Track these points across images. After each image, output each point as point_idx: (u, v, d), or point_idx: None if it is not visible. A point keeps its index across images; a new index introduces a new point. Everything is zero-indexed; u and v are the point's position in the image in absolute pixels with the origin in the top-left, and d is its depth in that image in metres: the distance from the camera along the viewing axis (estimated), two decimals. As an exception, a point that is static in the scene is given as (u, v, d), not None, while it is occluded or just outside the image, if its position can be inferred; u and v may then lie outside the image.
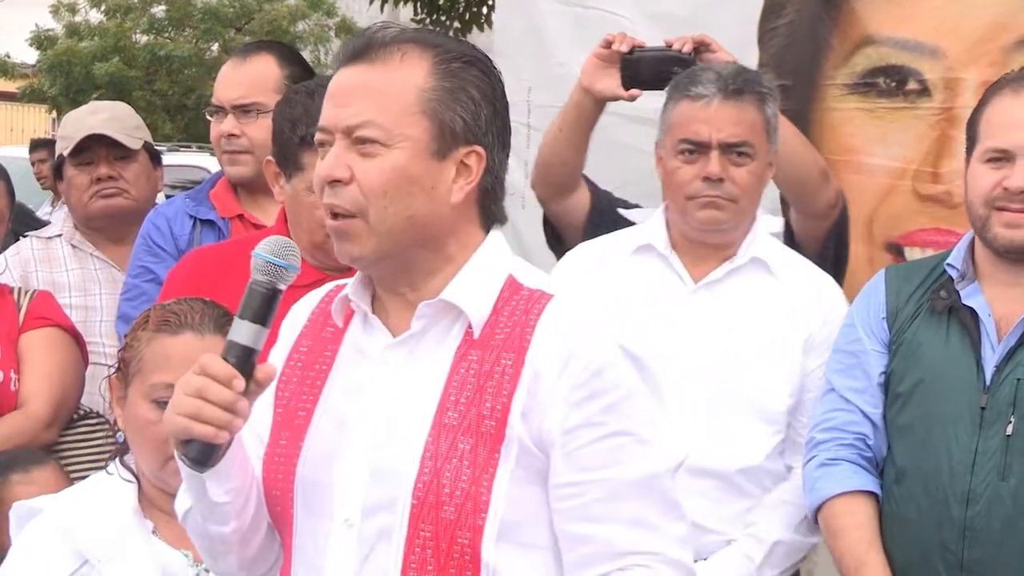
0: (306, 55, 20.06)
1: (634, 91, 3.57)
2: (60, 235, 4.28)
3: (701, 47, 3.54)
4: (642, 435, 2.09)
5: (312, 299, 2.30)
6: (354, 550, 2.10)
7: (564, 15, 4.65)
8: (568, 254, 3.52)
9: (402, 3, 10.36)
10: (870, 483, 3.09)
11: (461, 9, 10.42)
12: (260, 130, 3.69)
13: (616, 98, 3.62)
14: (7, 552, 3.00)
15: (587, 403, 2.06)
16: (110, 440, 3.69)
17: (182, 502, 2.22)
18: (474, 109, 2.12)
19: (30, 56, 20.42)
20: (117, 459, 2.69)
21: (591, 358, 2.07)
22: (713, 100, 3.23)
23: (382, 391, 2.14)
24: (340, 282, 2.28)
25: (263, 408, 2.21)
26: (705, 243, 3.30)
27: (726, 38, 4.16)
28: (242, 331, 2.07)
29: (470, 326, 2.12)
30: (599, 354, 2.07)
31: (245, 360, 2.06)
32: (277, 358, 2.25)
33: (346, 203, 2.10)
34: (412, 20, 10.91)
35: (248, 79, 3.77)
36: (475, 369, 2.09)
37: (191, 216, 3.75)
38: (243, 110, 3.74)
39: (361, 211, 2.10)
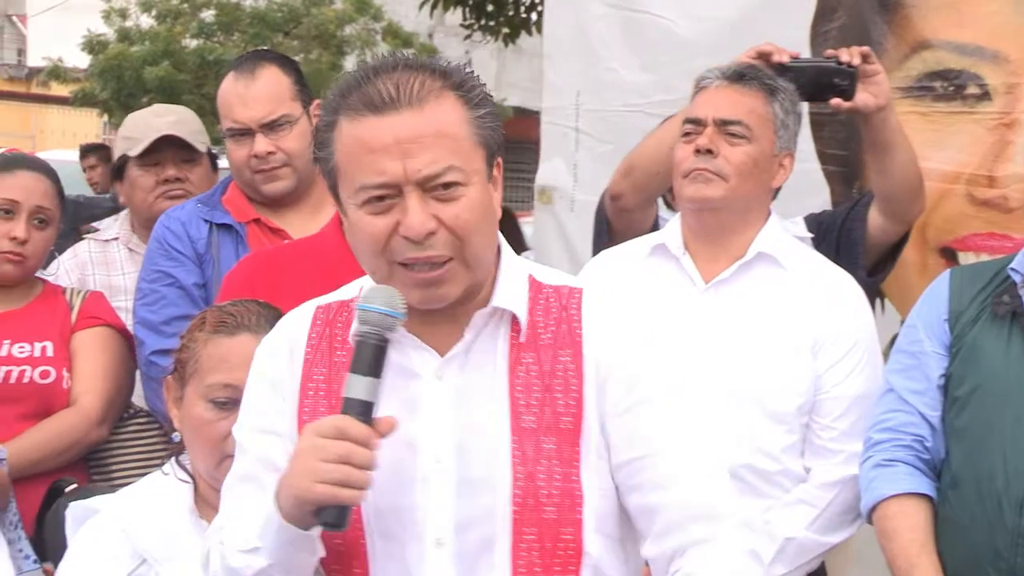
0: (352, 59, 20.18)
1: None
2: (117, 238, 4.32)
3: (865, 58, 3.51)
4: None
5: (297, 324, 2.26)
6: (451, 568, 2.11)
7: (613, 19, 4.65)
8: (591, 261, 3.54)
9: (451, 9, 10.38)
10: (926, 486, 3.07)
11: (510, 13, 10.44)
12: (294, 140, 3.71)
13: None
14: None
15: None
16: (160, 439, 3.72)
17: (249, 562, 2.13)
18: (495, 123, 2.15)
19: (82, 61, 20.59)
20: (173, 459, 2.71)
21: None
22: (714, 83, 3.31)
23: (444, 406, 2.14)
24: (323, 301, 2.26)
25: (282, 447, 2.17)
26: (712, 239, 3.31)
27: (776, 41, 4.15)
28: (360, 386, 2.05)
29: (514, 330, 2.15)
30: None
31: (367, 415, 2.05)
32: (269, 388, 2.21)
33: (444, 250, 2.08)
34: (461, 25, 10.94)
35: (267, 95, 3.73)
36: (535, 371, 2.12)
37: (206, 220, 3.74)
38: (272, 127, 3.72)
39: (456, 253, 2.09)
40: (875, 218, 3.63)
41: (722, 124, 3.27)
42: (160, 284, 3.71)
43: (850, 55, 3.48)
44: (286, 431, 2.19)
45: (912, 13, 4.08)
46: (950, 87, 4.03)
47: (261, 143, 3.70)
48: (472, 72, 2.16)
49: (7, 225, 3.68)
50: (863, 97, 3.48)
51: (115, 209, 4.76)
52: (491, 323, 2.17)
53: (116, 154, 4.37)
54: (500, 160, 2.17)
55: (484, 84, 2.18)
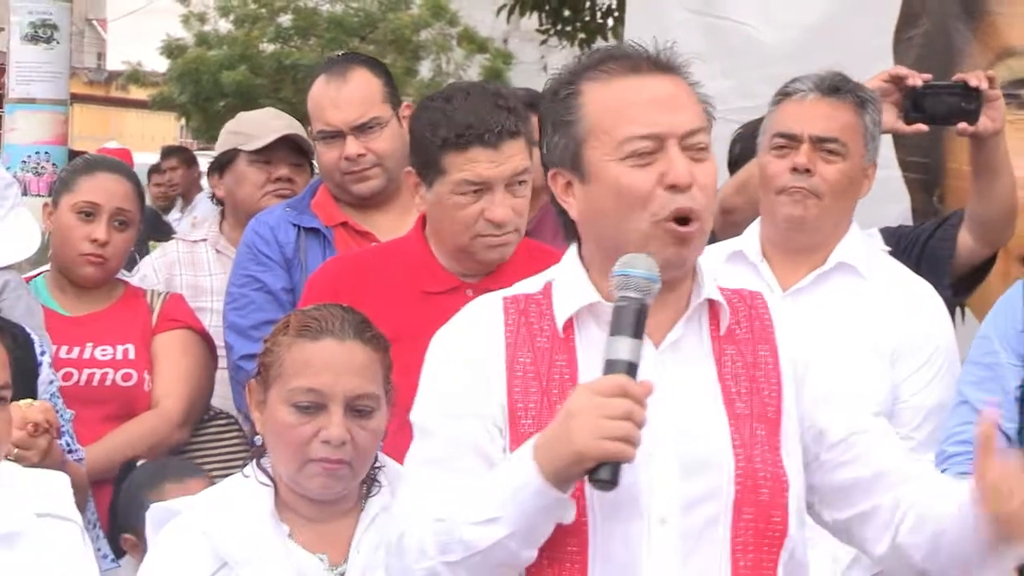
0: (428, 64, 20.26)
1: (920, 125, 3.53)
2: (205, 240, 4.37)
3: (989, 82, 3.50)
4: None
5: (488, 313, 2.30)
6: (676, 545, 2.18)
7: (694, 25, 4.64)
8: None
9: (528, 14, 10.38)
10: None
11: (587, 19, 10.42)
12: (385, 142, 3.71)
13: (894, 131, 3.60)
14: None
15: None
16: (240, 440, 3.75)
17: (486, 535, 2.12)
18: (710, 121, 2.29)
19: (161, 65, 20.82)
20: (254, 462, 2.71)
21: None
22: (808, 95, 3.27)
23: (664, 393, 2.18)
24: (507, 294, 2.31)
25: (482, 428, 2.21)
26: (794, 249, 3.29)
27: (859, 48, 4.13)
28: (626, 348, 2.11)
29: (712, 324, 2.27)
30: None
31: (634, 376, 2.11)
32: (466, 371, 2.24)
33: (697, 204, 2.21)
34: (537, 30, 10.95)
35: (359, 97, 3.74)
36: (740, 362, 2.26)
37: (294, 225, 3.74)
38: (363, 129, 3.71)
39: (705, 211, 2.22)
40: (965, 239, 3.59)
41: (818, 141, 3.23)
42: (249, 289, 3.72)
43: (978, 79, 3.45)
44: (489, 412, 2.23)
45: (998, 20, 4.03)
46: (1036, 95, 3.98)
47: (352, 145, 3.71)
48: None
49: (88, 227, 3.71)
50: (983, 121, 3.46)
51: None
52: (696, 313, 2.27)
53: (220, 149, 4.42)
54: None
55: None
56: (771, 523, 2.21)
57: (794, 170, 3.23)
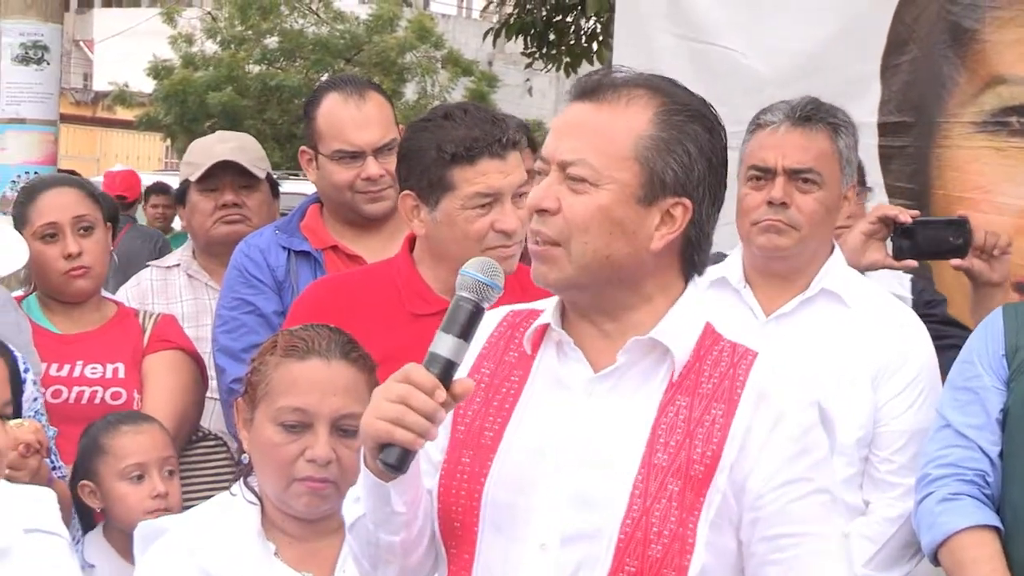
0: (412, 86, 20.32)
1: (909, 262, 3.55)
2: (179, 264, 4.36)
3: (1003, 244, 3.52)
4: (835, 496, 2.24)
5: (492, 320, 2.33)
6: (551, 575, 2.15)
7: (682, 50, 4.63)
8: None
9: (515, 37, 10.40)
10: (995, 519, 3.04)
11: (571, 43, 10.45)
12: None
13: (885, 267, 3.59)
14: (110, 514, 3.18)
15: (799, 458, 2.17)
16: (228, 461, 3.75)
17: (353, 511, 2.24)
18: (688, 162, 2.18)
19: (147, 86, 20.85)
20: (241, 480, 2.72)
21: (802, 417, 2.19)
22: (781, 127, 3.26)
23: (586, 423, 2.18)
24: (517, 307, 2.34)
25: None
26: (775, 275, 3.30)
27: (846, 74, 4.15)
28: (445, 344, 2.11)
29: (674, 368, 2.19)
30: (807, 414, 2.19)
31: (446, 372, 2.10)
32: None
33: (551, 231, 2.18)
34: (522, 54, 10.98)
35: (378, 118, 3.73)
36: (684, 415, 2.17)
37: (284, 248, 3.73)
38: (383, 150, 3.69)
39: (564, 240, 2.17)
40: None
41: (793, 173, 3.23)
42: (240, 312, 3.70)
43: (986, 240, 3.46)
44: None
45: (986, 48, 4.04)
46: (1026, 122, 4.00)
47: (373, 166, 3.69)
48: (691, 100, 2.21)
49: (56, 247, 3.71)
50: (981, 266, 3.48)
51: None
52: (654, 355, 2.21)
53: (180, 179, 4.42)
54: (686, 203, 2.18)
55: (698, 115, 2.21)
56: None
57: (770, 203, 3.23)
